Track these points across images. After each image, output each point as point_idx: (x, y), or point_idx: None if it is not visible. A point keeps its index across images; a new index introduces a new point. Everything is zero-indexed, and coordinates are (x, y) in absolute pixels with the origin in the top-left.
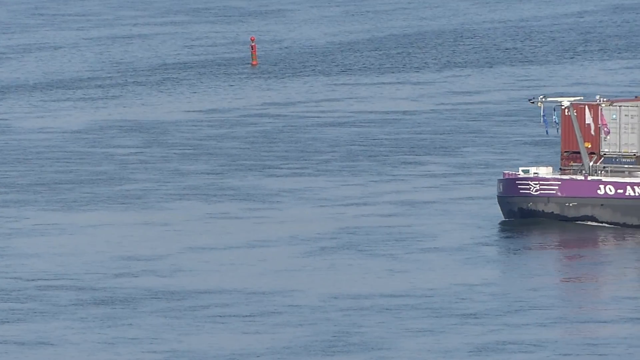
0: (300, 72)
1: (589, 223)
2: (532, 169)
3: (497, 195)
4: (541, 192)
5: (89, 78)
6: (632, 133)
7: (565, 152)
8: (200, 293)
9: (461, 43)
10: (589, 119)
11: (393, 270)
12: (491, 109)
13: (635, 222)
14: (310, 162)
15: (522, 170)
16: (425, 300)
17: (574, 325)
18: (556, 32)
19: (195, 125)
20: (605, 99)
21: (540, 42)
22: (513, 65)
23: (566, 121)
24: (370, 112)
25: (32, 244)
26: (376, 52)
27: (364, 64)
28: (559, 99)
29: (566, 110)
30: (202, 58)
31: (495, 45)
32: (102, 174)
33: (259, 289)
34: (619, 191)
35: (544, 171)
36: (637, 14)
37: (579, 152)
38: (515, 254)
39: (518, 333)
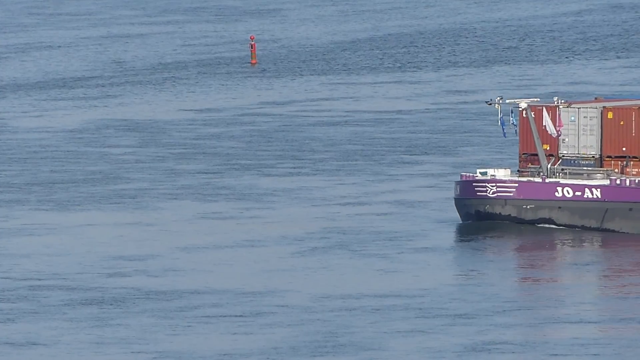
0: (299, 71)
1: (547, 226)
2: (490, 171)
3: (454, 198)
4: (498, 194)
5: (86, 77)
6: (590, 135)
7: (523, 154)
8: (191, 293)
9: (458, 42)
10: (546, 121)
11: (383, 271)
12: (488, 109)
13: (593, 224)
14: (306, 162)
15: (480, 172)
16: (414, 301)
17: (551, 325)
18: (553, 31)
19: (192, 125)
20: (563, 101)
21: (537, 42)
22: (510, 65)
23: (524, 123)
24: (367, 111)
25: (23, 243)
26: (373, 51)
27: (361, 64)
28: (517, 101)
29: (524, 112)
30: (200, 57)
31: (492, 44)
32: (97, 173)
33: (250, 289)
34: (577, 193)
35: (502, 173)
36: (635, 13)
37: (537, 154)
38: (479, 257)
39: (506, 333)
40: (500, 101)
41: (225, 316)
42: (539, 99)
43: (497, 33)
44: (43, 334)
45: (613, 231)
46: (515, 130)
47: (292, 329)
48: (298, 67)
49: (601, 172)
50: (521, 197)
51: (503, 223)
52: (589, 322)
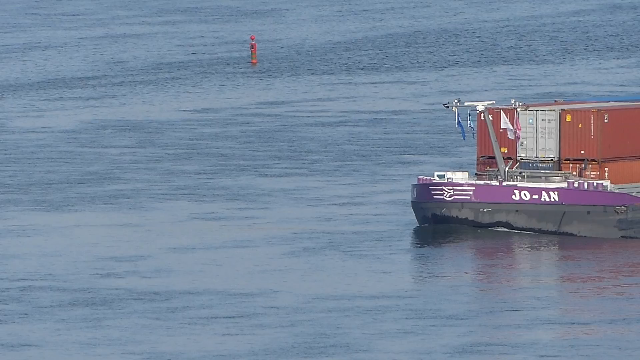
0: (298, 71)
1: (504, 229)
2: (448, 174)
3: (411, 201)
4: (455, 197)
5: (83, 78)
6: (549, 138)
7: (481, 157)
8: (182, 294)
9: (456, 43)
10: (504, 124)
11: (375, 271)
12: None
13: (551, 228)
14: (303, 162)
15: (437, 175)
16: (404, 302)
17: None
18: (550, 31)
19: (190, 125)
20: (521, 103)
21: (534, 42)
22: (506, 65)
23: (482, 126)
24: (364, 111)
25: (15, 244)
26: (372, 51)
27: (361, 64)
28: (474, 104)
29: (482, 114)
30: (200, 57)
31: (490, 44)
32: (93, 174)
33: (242, 289)
34: (534, 197)
35: (460, 176)
36: (634, 13)
37: (494, 157)
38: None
39: (497, 334)
40: (458, 104)
41: (216, 317)
42: (494, 102)
43: (495, 33)
44: (33, 335)
45: (571, 234)
46: (473, 133)
47: (282, 330)
48: (297, 67)
49: (559, 175)
50: (478, 200)
51: (460, 226)
52: (576, 324)
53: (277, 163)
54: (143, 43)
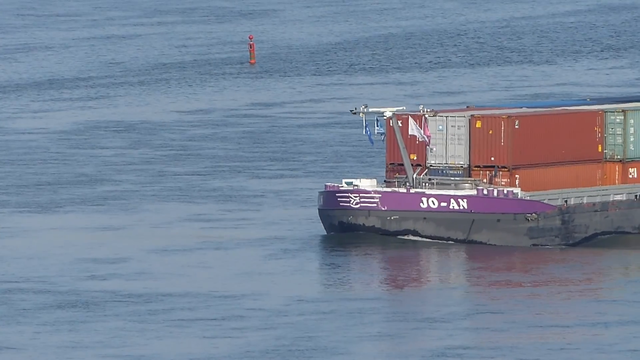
0: (296, 72)
1: (412, 237)
2: (356, 181)
3: (318, 209)
4: (362, 205)
5: (78, 78)
6: (459, 144)
7: (390, 164)
8: (165, 296)
9: (449, 43)
10: (412, 130)
11: (359, 274)
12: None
13: (459, 236)
14: (296, 163)
15: (346, 183)
16: (385, 304)
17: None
18: (546, 32)
19: (185, 126)
20: (428, 109)
21: (529, 42)
22: (500, 65)
23: (390, 132)
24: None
25: (0, 246)
26: (372, 52)
27: (357, 64)
28: (382, 109)
29: (390, 121)
30: (197, 58)
31: (485, 45)
32: (84, 175)
33: (225, 292)
34: (442, 204)
35: (368, 183)
36: (628, 14)
37: (403, 164)
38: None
39: (477, 338)
40: (365, 109)
41: (198, 319)
42: (404, 108)
43: (491, 34)
44: (15, 337)
45: (480, 243)
46: (383, 139)
47: (263, 333)
48: (296, 68)
49: (469, 182)
50: (385, 208)
51: (367, 234)
52: (560, 326)
53: (270, 164)
54: (138, 44)
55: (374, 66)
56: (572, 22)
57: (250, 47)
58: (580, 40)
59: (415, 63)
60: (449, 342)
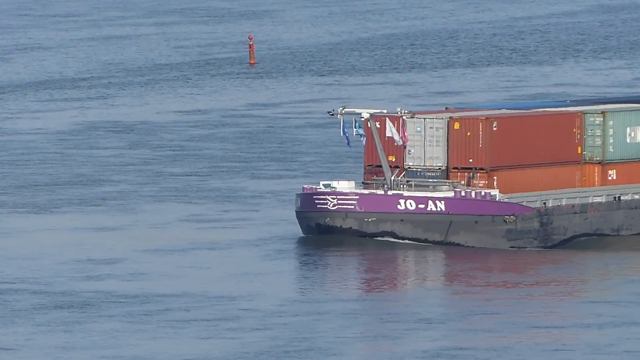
0: (295, 72)
1: (389, 239)
2: (333, 183)
3: (295, 211)
4: (339, 207)
5: (76, 79)
6: (437, 146)
7: (368, 165)
8: (161, 297)
9: (450, 44)
10: (389, 132)
11: (352, 274)
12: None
13: (437, 238)
14: (295, 164)
15: (323, 185)
16: (379, 305)
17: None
18: (544, 32)
19: (183, 126)
20: (406, 111)
21: (528, 43)
22: (499, 66)
23: (368, 134)
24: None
25: None
26: (372, 52)
27: (356, 64)
28: (359, 111)
29: (368, 122)
30: (197, 58)
31: (484, 46)
32: (82, 176)
33: (221, 292)
34: (420, 206)
35: (346, 185)
36: (623, 14)
37: (381, 166)
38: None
39: (471, 339)
40: (343, 111)
41: (193, 320)
42: (385, 110)
43: (490, 34)
44: (10, 338)
45: (458, 245)
46: (363, 140)
47: (258, 334)
48: (295, 68)
49: (447, 184)
50: (362, 210)
51: (344, 236)
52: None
53: (268, 165)
54: (137, 44)
55: (373, 66)
56: (571, 23)
57: (250, 48)
58: (580, 41)
59: (414, 63)
60: (443, 343)
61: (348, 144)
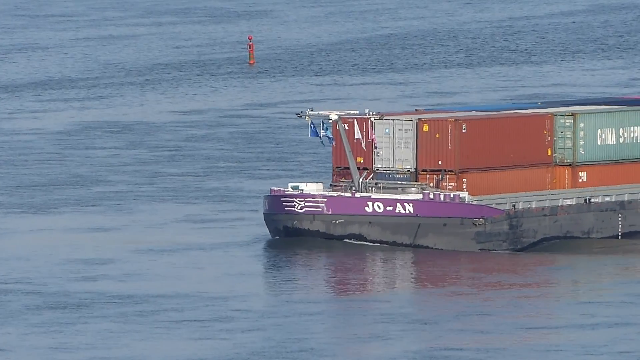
0: (294, 72)
1: (357, 242)
2: (302, 185)
3: (263, 213)
4: (307, 209)
5: (74, 79)
6: (405, 148)
7: (337, 167)
8: (155, 297)
9: (448, 44)
10: (358, 134)
11: (346, 275)
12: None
13: (405, 240)
14: (293, 164)
15: (292, 187)
16: (374, 306)
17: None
18: (544, 32)
19: (182, 127)
20: (375, 113)
21: (527, 43)
22: (496, 66)
23: (336, 136)
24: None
25: None
26: (368, 52)
27: (355, 64)
28: (327, 113)
29: (336, 124)
30: (196, 58)
31: (480, 45)
32: (79, 176)
33: (215, 293)
34: (388, 208)
35: (314, 187)
36: (625, 14)
37: (349, 168)
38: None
39: (463, 340)
40: (311, 113)
41: (187, 321)
42: (357, 111)
43: (488, 34)
44: (4, 339)
45: (427, 247)
46: (332, 142)
47: (251, 335)
48: (294, 68)
49: (416, 186)
50: (330, 212)
51: (312, 239)
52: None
53: (266, 165)
54: (135, 44)
55: (372, 66)
56: (569, 23)
57: (250, 48)
58: (578, 41)
59: (413, 63)
60: (437, 343)
61: (322, 143)
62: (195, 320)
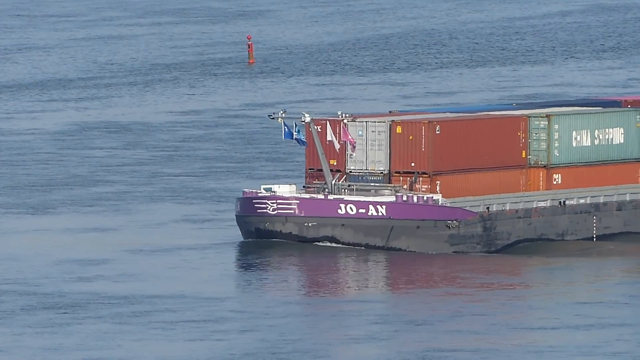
0: (294, 72)
1: (330, 244)
2: (274, 187)
3: (235, 215)
4: (279, 211)
5: (72, 79)
6: (379, 150)
7: (310, 169)
8: (149, 298)
9: (446, 44)
10: (330, 136)
11: (344, 276)
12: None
13: (378, 243)
14: (291, 164)
15: (264, 189)
16: (369, 307)
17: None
18: (543, 32)
19: (180, 127)
20: (347, 114)
21: (526, 43)
22: (496, 66)
23: (309, 138)
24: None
25: None
26: (367, 52)
27: (354, 64)
28: (300, 114)
29: (309, 126)
30: (195, 58)
31: (479, 45)
32: (77, 176)
33: (210, 294)
34: (360, 211)
35: (287, 189)
36: (624, 14)
37: (322, 170)
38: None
39: (459, 340)
40: (284, 115)
41: (181, 322)
42: (337, 114)
43: (487, 34)
44: None
45: (400, 250)
46: (305, 144)
47: (246, 335)
48: (294, 68)
49: (389, 188)
50: (302, 215)
51: (284, 241)
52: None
53: (264, 165)
54: (134, 44)
55: (371, 67)
56: (568, 23)
57: (249, 47)
58: (577, 41)
59: (412, 63)
60: (433, 344)
61: (299, 143)
62: (189, 321)
